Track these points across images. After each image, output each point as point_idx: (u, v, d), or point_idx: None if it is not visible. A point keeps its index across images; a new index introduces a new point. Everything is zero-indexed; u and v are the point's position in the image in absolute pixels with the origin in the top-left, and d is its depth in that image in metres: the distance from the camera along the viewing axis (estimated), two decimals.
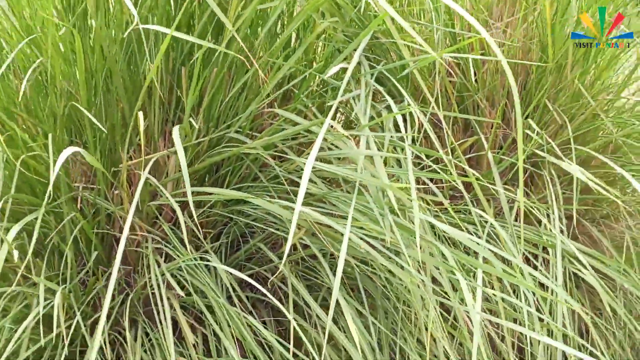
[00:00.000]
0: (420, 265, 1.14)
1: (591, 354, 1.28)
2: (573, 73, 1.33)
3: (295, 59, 1.17)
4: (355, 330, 1.02)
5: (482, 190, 1.22)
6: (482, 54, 1.39)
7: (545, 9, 1.23)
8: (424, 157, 1.20)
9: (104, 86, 1.16)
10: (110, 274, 1.22)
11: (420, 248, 1.15)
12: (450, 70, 1.43)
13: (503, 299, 1.16)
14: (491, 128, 1.39)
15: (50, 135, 1.04)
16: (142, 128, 0.99)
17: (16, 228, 1.03)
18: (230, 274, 1.15)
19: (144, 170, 1.03)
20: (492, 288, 1.20)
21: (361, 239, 1.10)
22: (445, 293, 1.12)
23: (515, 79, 1.38)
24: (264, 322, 1.29)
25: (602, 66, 1.42)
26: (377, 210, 1.05)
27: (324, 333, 1.23)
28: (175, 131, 1.03)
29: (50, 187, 0.92)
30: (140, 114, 1.00)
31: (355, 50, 1.11)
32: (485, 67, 1.37)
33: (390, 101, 1.09)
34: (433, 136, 1.07)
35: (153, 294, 1.14)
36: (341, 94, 0.97)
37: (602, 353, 1.26)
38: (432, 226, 1.14)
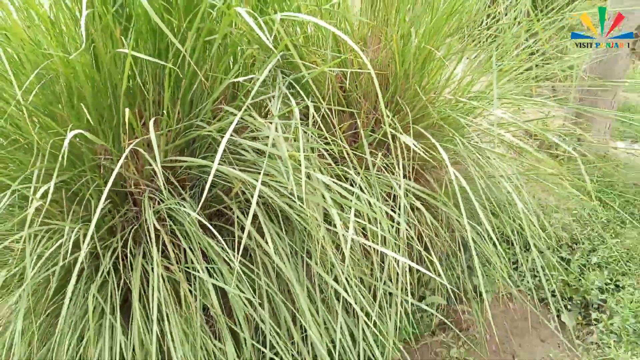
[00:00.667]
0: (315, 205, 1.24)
1: (427, 260, 1.39)
2: (413, 79, 1.42)
3: (233, 73, 1.23)
4: (270, 240, 1.12)
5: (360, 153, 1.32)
6: (359, 69, 1.47)
7: (395, 42, 1.31)
8: (316, 135, 1.28)
9: (112, 91, 1.22)
10: (124, 212, 1.31)
11: (316, 191, 1.24)
12: (341, 79, 1.51)
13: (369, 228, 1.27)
14: (365, 114, 1.48)
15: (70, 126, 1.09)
16: (127, 119, 1.07)
17: (44, 187, 1.09)
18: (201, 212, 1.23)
19: (128, 147, 1.10)
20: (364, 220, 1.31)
21: (276, 188, 1.19)
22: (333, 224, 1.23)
23: (381, 84, 1.47)
24: (225, 241, 1.38)
25: (432, 74, 1.50)
26: (283, 169, 1.14)
27: (259, 247, 1.33)
28: (151, 123, 1.10)
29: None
30: (127, 110, 1.07)
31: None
32: (362, 76, 1.45)
33: (292, 100, 1.17)
34: (319, 121, 1.16)
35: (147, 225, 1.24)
36: (253, 95, 1.05)
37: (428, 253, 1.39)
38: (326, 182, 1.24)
